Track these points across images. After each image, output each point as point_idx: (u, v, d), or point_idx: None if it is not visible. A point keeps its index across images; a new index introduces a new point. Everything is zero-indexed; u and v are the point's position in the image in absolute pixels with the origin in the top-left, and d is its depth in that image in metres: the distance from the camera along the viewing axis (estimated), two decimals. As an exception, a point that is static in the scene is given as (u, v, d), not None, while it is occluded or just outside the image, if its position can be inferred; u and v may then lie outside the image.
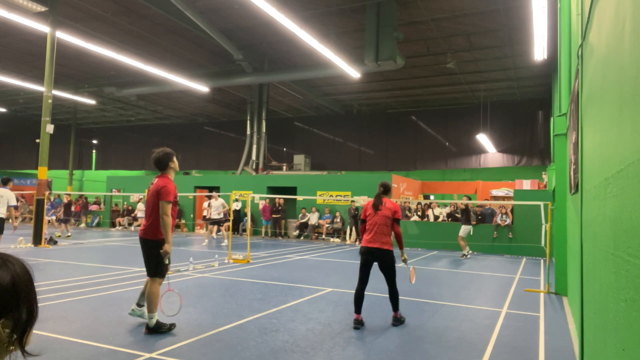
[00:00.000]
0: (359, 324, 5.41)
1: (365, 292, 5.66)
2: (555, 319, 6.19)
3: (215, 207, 15.32)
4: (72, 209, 18.24)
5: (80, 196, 24.13)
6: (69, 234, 16.58)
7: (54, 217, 17.12)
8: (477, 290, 8.17)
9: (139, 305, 5.37)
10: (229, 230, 14.01)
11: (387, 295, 5.75)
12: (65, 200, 17.66)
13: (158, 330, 4.93)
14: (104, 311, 5.79)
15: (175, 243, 15.35)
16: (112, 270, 9.16)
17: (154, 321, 4.93)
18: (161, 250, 4.97)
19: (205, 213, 18.10)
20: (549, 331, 5.53)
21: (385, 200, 5.72)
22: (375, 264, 5.61)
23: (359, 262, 5.71)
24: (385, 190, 5.78)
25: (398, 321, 5.62)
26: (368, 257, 5.56)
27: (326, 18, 14.13)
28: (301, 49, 16.00)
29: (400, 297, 6.16)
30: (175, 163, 5.29)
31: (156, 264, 5.02)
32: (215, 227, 15.77)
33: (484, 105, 21.85)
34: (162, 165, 5.20)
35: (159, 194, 5.00)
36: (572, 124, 5.55)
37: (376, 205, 5.66)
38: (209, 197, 16.93)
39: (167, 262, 5.05)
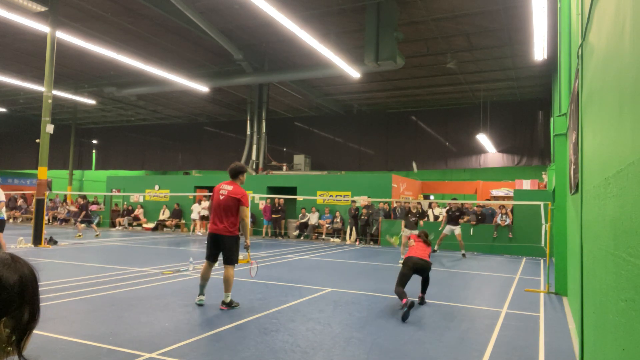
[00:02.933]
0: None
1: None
2: (555, 319, 6.19)
3: (204, 207, 14.86)
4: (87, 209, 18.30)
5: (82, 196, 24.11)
6: (80, 234, 16.68)
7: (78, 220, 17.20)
8: (477, 290, 8.17)
9: (203, 294, 6.42)
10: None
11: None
12: (81, 202, 17.79)
13: (231, 305, 6.16)
14: (104, 311, 5.79)
15: (175, 243, 15.35)
16: (112, 270, 9.16)
17: (229, 299, 6.17)
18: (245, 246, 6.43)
19: (204, 213, 18.03)
20: (549, 331, 5.54)
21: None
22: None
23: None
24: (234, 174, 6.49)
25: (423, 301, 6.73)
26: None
27: (326, 18, 14.13)
28: (301, 49, 16.00)
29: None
30: (245, 176, 6.72)
31: (233, 254, 6.30)
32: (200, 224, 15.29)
33: (484, 105, 21.85)
34: (235, 174, 6.65)
35: (241, 201, 6.31)
36: (572, 124, 5.55)
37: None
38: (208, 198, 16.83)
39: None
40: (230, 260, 6.29)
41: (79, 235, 16.48)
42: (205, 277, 6.33)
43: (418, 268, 6.71)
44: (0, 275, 0.92)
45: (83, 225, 16.98)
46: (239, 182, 6.61)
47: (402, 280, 6.43)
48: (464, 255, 13.50)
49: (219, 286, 7.69)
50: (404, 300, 5.95)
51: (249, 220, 6.31)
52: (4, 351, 0.92)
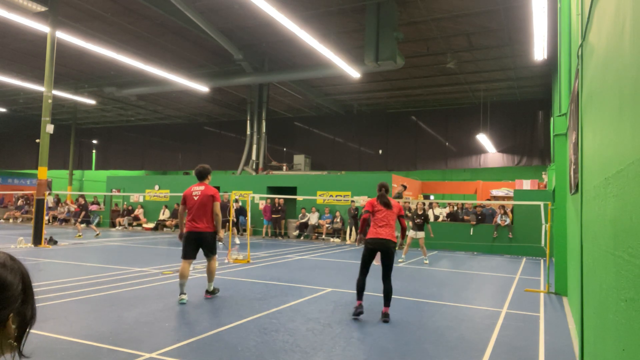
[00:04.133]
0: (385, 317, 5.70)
1: (365, 292, 5.69)
2: (555, 319, 6.19)
3: None
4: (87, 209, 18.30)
5: (81, 196, 24.12)
6: (80, 234, 16.68)
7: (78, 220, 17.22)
8: (477, 290, 8.17)
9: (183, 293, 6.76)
10: (228, 230, 13.95)
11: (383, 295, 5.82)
12: (82, 202, 17.80)
13: (214, 292, 6.87)
14: (104, 311, 5.79)
15: (175, 243, 15.34)
16: (112, 270, 9.15)
17: (212, 288, 6.89)
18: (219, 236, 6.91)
19: None
20: (549, 331, 5.53)
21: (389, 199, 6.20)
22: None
23: (358, 262, 5.72)
24: (386, 190, 6.27)
25: (388, 317, 5.79)
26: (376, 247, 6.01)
27: (326, 18, 14.13)
28: (301, 49, 16.00)
29: (400, 297, 6.19)
30: (210, 176, 7.26)
31: (213, 247, 6.88)
32: None
33: (484, 105, 21.85)
34: (203, 176, 7.11)
35: (214, 197, 6.81)
36: (572, 124, 5.55)
37: (386, 204, 6.14)
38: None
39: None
40: (213, 252, 6.90)
41: (79, 236, 16.49)
42: (185, 276, 6.58)
43: (381, 249, 5.97)
44: (5, 274, 0.95)
45: (83, 225, 17.00)
46: (207, 182, 7.11)
47: (363, 266, 6.03)
48: (426, 262, 11.97)
49: (219, 286, 7.69)
50: (358, 303, 5.83)
51: (220, 214, 6.88)
52: (10, 346, 0.94)
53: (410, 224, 12.31)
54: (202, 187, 6.92)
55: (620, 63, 1.98)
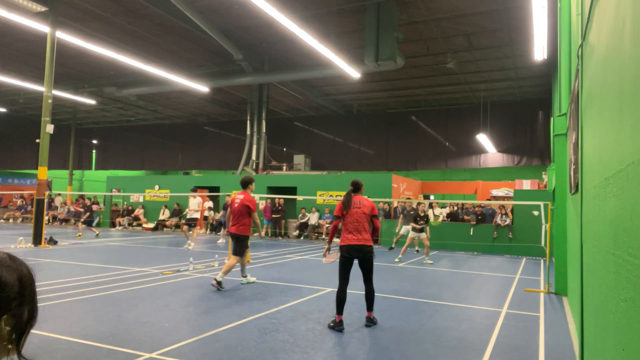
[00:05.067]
0: (340, 326, 5.29)
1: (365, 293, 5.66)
2: (555, 319, 6.19)
3: (191, 205, 14.19)
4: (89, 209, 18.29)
5: (81, 196, 24.14)
6: (80, 234, 16.69)
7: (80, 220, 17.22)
8: (477, 290, 8.17)
9: (244, 276, 8.15)
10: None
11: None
12: (87, 202, 17.82)
13: (220, 285, 7.43)
14: (104, 311, 5.79)
15: (175, 243, 15.34)
16: (112, 270, 9.16)
17: (221, 279, 7.45)
18: (262, 235, 8.26)
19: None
20: (549, 331, 5.54)
21: (359, 198, 5.73)
22: (356, 261, 5.59)
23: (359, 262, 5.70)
24: (356, 188, 5.79)
25: (371, 322, 5.52)
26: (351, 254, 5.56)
27: (326, 18, 14.13)
28: (301, 49, 16.00)
29: (400, 297, 6.18)
30: (253, 185, 8.20)
31: (239, 247, 7.83)
32: (191, 228, 14.39)
33: (484, 105, 21.85)
34: (245, 185, 8.04)
35: (249, 207, 7.80)
36: (572, 124, 5.55)
37: (347, 203, 5.64)
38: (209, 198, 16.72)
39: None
40: (236, 252, 7.78)
41: (79, 235, 16.49)
42: (238, 265, 8.04)
43: (355, 256, 5.55)
44: (0, 274, 0.94)
45: (84, 225, 17.00)
46: (249, 191, 8.04)
47: (342, 276, 5.60)
48: (430, 262, 11.92)
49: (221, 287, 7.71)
50: (338, 319, 5.34)
51: (258, 220, 8.00)
52: (5, 349, 0.93)
53: (411, 225, 12.27)
54: (242, 196, 7.94)
55: (620, 63, 1.98)
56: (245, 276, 8.19)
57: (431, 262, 11.89)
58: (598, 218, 2.76)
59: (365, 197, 5.88)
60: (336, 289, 5.60)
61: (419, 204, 13.06)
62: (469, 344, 4.88)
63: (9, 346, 0.94)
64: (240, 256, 7.85)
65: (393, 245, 14.23)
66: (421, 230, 12.07)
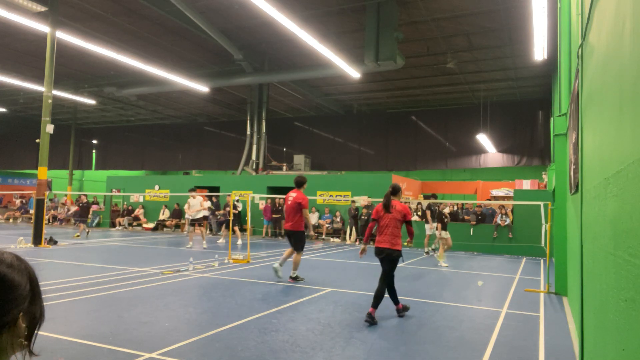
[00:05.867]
0: (370, 319, 5.51)
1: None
2: (555, 319, 6.19)
3: (193, 205, 14.19)
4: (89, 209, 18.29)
5: (81, 196, 24.14)
6: (78, 234, 16.71)
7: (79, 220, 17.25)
8: (477, 290, 8.17)
9: (280, 265, 8.39)
10: (229, 229, 13.93)
11: (388, 296, 5.81)
12: (83, 201, 17.81)
13: (296, 279, 8.26)
14: (104, 311, 5.79)
15: (175, 243, 15.34)
16: (112, 270, 9.16)
17: (295, 274, 8.30)
18: (311, 234, 8.69)
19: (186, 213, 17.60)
20: (549, 331, 5.54)
21: (394, 202, 6.00)
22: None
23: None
24: (394, 192, 6.11)
25: (371, 318, 5.56)
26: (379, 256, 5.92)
27: (326, 18, 14.13)
28: (301, 49, 16.00)
29: (400, 297, 6.18)
30: (305, 185, 8.61)
31: (299, 243, 8.31)
32: (197, 228, 14.48)
33: (484, 105, 21.85)
34: (298, 185, 8.50)
35: (301, 204, 8.26)
36: (572, 124, 5.55)
37: (387, 206, 5.98)
38: (208, 198, 16.68)
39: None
40: (297, 248, 8.32)
41: (77, 236, 16.48)
42: (286, 256, 8.45)
43: (382, 258, 5.90)
44: (12, 275, 0.96)
45: (84, 225, 17.00)
46: (302, 190, 8.49)
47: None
48: (445, 265, 11.36)
49: (219, 286, 7.71)
50: (369, 311, 5.58)
51: (309, 217, 8.46)
52: (20, 345, 0.96)
53: (439, 225, 11.98)
54: (295, 194, 8.37)
55: (620, 63, 1.98)
56: (281, 265, 8.51)
57: (447, 265, 11.27)
58: (598, 218, 2.76)
59: (400, 201, 6.14)
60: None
61: (440, 203, 12.89)
62: (469, 344, 4.88)
63: (25, 342, 0.97)
64: (299, 251, 8.29)
65: (427, 249, 14.01)
66: (445, 229, 11.90)
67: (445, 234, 11.94)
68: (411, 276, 9.60)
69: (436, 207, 14.48)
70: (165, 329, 5.05)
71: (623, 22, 1.89)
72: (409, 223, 5.98)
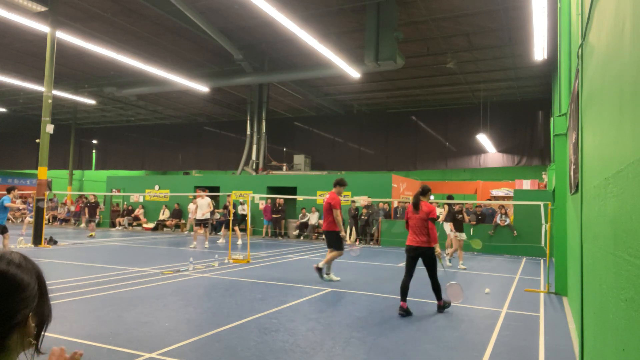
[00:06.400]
0: (403, 312, 5.99)
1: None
2: (555, 319, 6.19)
3: (200, 206, 14.24)
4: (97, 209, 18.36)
5: (81, 196, 24.15)
6: (93, 233, 16.86)
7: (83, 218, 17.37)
8: (477, 290, 8.17)
9: (327, 274, 8.56)
10: (229, 229, 13.93)
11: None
12: (92, 200, 17.84)
13: (320, 271, 8.40)
14: (104, 311, 5.79)
15: (175, 243, 15.35)
16: (112, 270, 9.16)
17: (322, 265, 8.44)
18: (341, 234, 8.59)
19: (190, 214, 17.68)
20: (549, 331, 5.54)
21: (422, 202, 6.40)
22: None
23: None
24: (423, 193, 6.54)
25: (442, 308, 6.30)
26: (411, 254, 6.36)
27: (326, 18, 14.13)
28: (301, 49, 15.99)
29: (400, 297, 6.18)
30: (341, 188, 8.78)
31: (333, 242, 8.60)
32: (202, 228, 14.50)
33: (484, 105, 21.85)
34: (334, 185, 8.72)
35: (331, 204, 8.45)
36: (572, 124, 5.56)
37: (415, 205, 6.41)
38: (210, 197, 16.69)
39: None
40: (330, 246, 8.66)
41: (92, 235, 16.68)
42: (328, 260, 8.57)
43: (414, 255, 6.32)
44: (22, 275, 0.97)
45: (93, 224, 17.07)
46: (336, 191, 8.67)
47: (407, 269, 6.38)
48: (463, 267, 11.15)
49: (219, 286, 7.71)
50: (401, 304, 6.05)
51: (340, 217, 8.52)
52: (29, 343, 0.96)
53: (451, 225, 11.38)
54: (328, 195, 8.67)
55: (620, 63, 1.98)
56: (328, 274, 8.59)
57: (464, 267, 10.95)
58: (598, 218, 2.76)
59: (427, 202, 6.55)
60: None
61: (456, 204, 12.12)
62: (469, 344, 4.88)
63: (34, 341, 0.99)
64: (338, 250, 8.47)
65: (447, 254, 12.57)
66: (461, 230, 11.31)
67: (461, 235, 11.34)
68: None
69: (453, 208, 13.40)
70: (165, 329, 5.05)
71: (623, 22, 1.89)
72: (432, 220, 6.29)
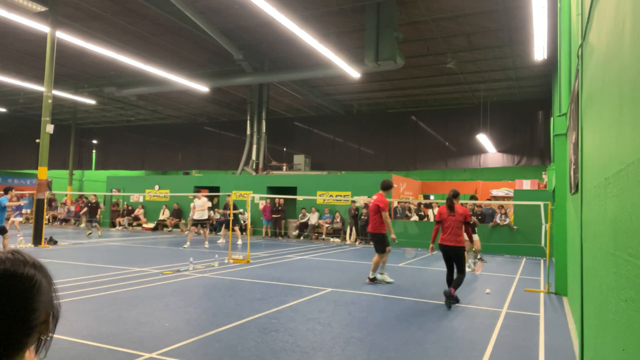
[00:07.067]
0: (451, 299, 6.59)
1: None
2: (555, 319, 6.19)
3: (198, 206, 14.23)
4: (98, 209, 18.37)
5: (81, 196, 24.15)
6: (90, 232, 16.96)
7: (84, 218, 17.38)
8: (477, 290, 8.17)
9: (381, 273, 8.54)
10: (229, 229, 13.92)
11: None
12: (92, 200, 17.83)
13: (373, 281, 8.36)
14: (104, 311, 5.79)
15: (175, 243, 15.35)
16: (112, 270, 9.16)
17: (373, 276, 8.38)
18: (392, 237, 8.57)
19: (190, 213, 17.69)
20: (549, 331, 5.54)
21: (456, 206, 6.94)
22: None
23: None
24: (455, 195, 7.05)
25: (451, 298, 6.62)
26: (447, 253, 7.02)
27: (326, 18, 14.13)
28: (301, 49, 15.99)
29: (400, 297, 6.19)
30: (389, 191, 8.70)
31: (379, 245, 8.43)
32: (200, 228, 14.46)
33: (484, 105, 21.85)
34: (381, 188, 8.63)
35: (379, 206, 8.34)
36: (572, 124, 5.56)
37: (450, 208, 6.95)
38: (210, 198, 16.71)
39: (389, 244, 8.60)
40: (376, 249, 8.47)
41: (99, 234, 16.60)
42: (376, 262, 8.53)
43: (447, 253, 7.00)
44: (41, 278, 0.99)
45: (96, 224, 17.10)
46: (384, 193, 8.56)
47: (447, 267, 7.12)
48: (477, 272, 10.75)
49: (219, 286, 7.71)
50: (451, 290, 6.69)
51: (389, 219, 8.46)
52: (46, 342, 0.99)
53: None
54: (376, 197, 8.54)
55: (620, 63, 1.98)
56: (382, 273, 8.56)
57: (469, 269, 10.47)
58: (598, 218, 2.76)
59: (460, 204, 7.14)
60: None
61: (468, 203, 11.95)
62: (469, 344, 4.88)
63: (47, 339, 1.00)
64: (381, 253, 8.36)
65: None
66: (474, 230, 11.08)
67: (474, 237, 10.92)
68: (411, 276, 9.60)
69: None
70: (165, 329, 5.05)
71: (623, 22, 1.89)
72: (468, 224, 6.90)
